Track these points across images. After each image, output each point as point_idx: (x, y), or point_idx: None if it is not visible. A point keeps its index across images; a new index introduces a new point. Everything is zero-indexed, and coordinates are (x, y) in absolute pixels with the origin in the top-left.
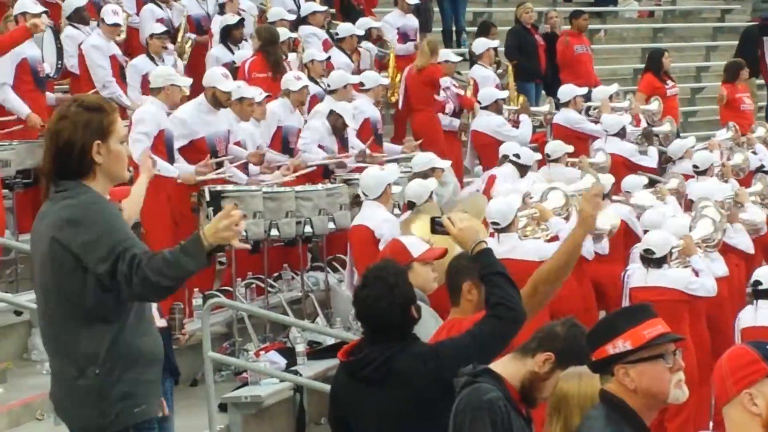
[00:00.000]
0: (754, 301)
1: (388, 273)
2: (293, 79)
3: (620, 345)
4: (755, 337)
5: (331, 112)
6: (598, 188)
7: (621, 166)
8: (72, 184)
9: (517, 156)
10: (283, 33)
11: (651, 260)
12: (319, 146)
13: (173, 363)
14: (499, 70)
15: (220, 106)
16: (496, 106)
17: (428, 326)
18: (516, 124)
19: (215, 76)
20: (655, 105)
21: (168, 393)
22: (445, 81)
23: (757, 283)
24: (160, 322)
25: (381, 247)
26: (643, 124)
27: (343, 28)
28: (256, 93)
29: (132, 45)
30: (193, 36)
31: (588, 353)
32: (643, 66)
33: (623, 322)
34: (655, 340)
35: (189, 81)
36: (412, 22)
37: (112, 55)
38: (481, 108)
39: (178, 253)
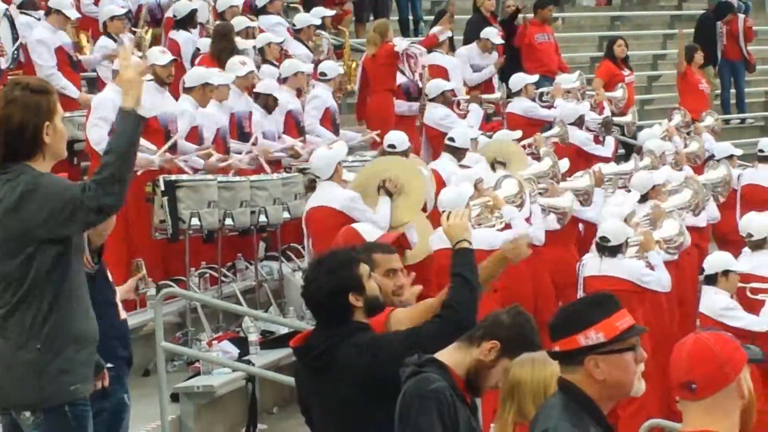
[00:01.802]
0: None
1: (332, 258)
2: (238, 64)
3: (593, 336)
4: (596, 287)
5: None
6: (523, 239)
7: (575, 155)
8: (16, 166)
9: (452, 140)
10: (240, 22)
11: (606, 248)
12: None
13: (130, 351)
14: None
15: (165, 85)
16: (443, 98)
17: None
18: (465, 115)
19: (154, 54)
20: (619, 92)
21: (124, 380)
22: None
23: (605, 239)
24: (123, 314)
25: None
26: (607, 111)
27: (300, 19)
28: (219, 78)
29: (93, 34)
30: (147, 31)
31: (553, 341)
32: (600, 54)
33: (595, 313)
34: (626, 332)
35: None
36: None
37: (59, 46)
38: (429, 100)
39: (110, 138)
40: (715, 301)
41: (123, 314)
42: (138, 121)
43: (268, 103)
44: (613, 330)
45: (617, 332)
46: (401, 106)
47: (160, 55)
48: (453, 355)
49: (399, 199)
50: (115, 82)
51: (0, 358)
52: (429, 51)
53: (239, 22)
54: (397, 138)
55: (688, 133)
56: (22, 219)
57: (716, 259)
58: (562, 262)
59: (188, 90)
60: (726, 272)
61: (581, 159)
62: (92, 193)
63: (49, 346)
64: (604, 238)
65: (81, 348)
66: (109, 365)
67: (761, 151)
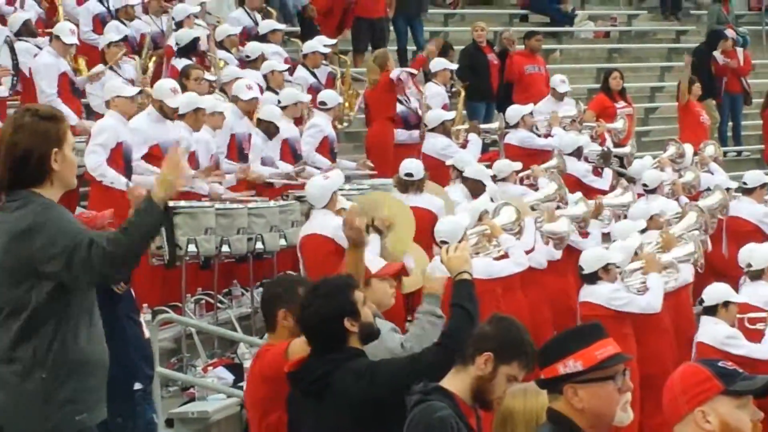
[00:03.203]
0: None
1: (327, 284)
2: (244, 88)
3: (571, 365)
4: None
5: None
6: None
7: (574, 186)
8: (24, 193)
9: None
10: (252, 49)
11: (583, 277)
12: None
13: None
14: (452, 90)
15: (168, 118)
16: (443, 128)
17: (388, 339)
18: (465, 144)
19: (164, 90)
20: (620, 124)
21: (152, 400)
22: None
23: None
24: (147, 333)
25: None
26: (609, 143)
27: (308, 46)
28: (210, 104)
29: (92, 62)
30: (153, 57)
31: (538, 369)
32: (598, 86)
33: (574, 342)
34: (606, 362)
35: (135, 90)
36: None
37: (63, 72)
38: (428, 130)
39: (131, 218)
40: (718, 331)
41: (147, 333)
42: (162, 216)
43: (270, 129)
44: (591, 359)
45: (595, 361)
46: (401, 134)
47: (170, 94)
48: (454, 380)
49: (390, 234)
50: (156, 179)
51: (6, 388)
52: (426, 78)
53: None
54: (415, 167)
55: (697, 164)
56: (27, 250)
57: (716, 290)
58: (561, 293)
59: (181, 116)
60: (726, 303)
61: (579, 190)
62: (99, 255)
63: (54, 375)
64: (580, 267)
65: (89, 375)
66: (137, 386)
67: (745, 183)
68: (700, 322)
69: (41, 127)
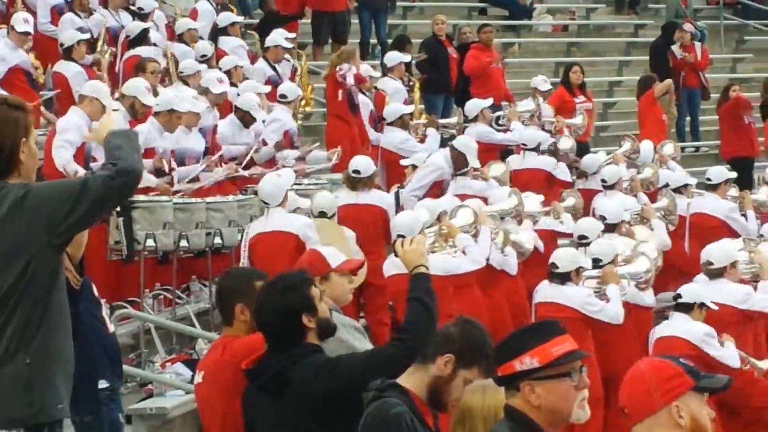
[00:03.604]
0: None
1: (284, 279)
2: (215, 81)
3: (527, 361)
4: (544, 314)
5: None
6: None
7: (543, 181)
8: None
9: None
10: (203, 47)
11: (555, 275)
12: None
13: (122, 367)
14: (407, 85)
15: (135, 117)
16: (401, 122)
17: (347, 336)
18: (423, 139)
19: (139, 87)
20: (579, 119)
21: (119, 399)
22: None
23: (554, 266)
24: (111, 327)
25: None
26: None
27: (270, 39)
28: (186, 106)
29: (49, 53)
30: (110, 48)
31: (494, 367)
32: (557, 80)
33: (531, 339)
34: (562, 358)
35: (116, 104)
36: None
37: (16, 64)
38: (387, 124)
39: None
40: (697, 327)
41: (111, 327)
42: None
43: (246, 118)
44: (547, 356)
45: (551, 358)
46: (371, 134)
47: (144, 92)
48: (412, 378)
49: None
50: (93, 136)
51: None
52: (382, 72)
53: (203, 47)
54: (363, 164)
55: (657, 161)
56: (18, 229)
57: (694, 290)
58: (512, 292)
59: (156, 114)
60: (702, 305)
61: (548, 183)
62: (108, 173)
63: (38, 361)
64: (553, 265)
65: (65, 365)
66: (103, 384)
67: (709, 179)
68: (670, 317)
69: (12, 116)
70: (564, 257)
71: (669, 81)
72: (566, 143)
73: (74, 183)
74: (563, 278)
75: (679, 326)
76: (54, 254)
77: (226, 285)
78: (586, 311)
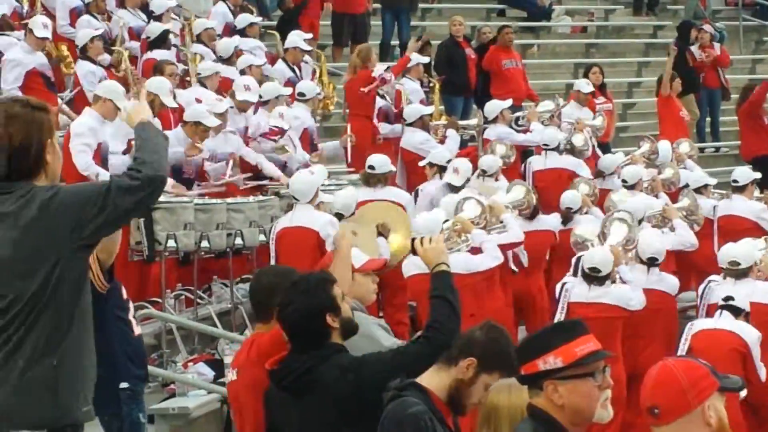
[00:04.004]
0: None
1: (306, 279)
2: (241, 86)
3: (551, 361)
4: (581, 313)
5: None
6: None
7: (568, 180)
8: (23, 183)
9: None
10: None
11: (596, 278)
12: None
13: (147, 369)
14: (427, 86)
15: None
16: (421, 123)
17: (379, 333)
18: (443, 140)
19: (163, 88)
20: (599, 120)
21: (140, 399)
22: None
23: (596, 270)
24: (137, 330)
25: (329, 248)
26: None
27: (289, 41)
28: (214, 121)
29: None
30: (126, 50)
31: (518, 366)
32: (575, 81)
33: (555, 338)
34: (586, 358)
35: (129, 104)
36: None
37: (33, 68)
38: (407, 125)
39: (137, 146)
40: (754, 330)
41: (137, 330)
42: (155, 129)
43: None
44: (571, 355)
45: (576, 357)
46: (384, 128)
47: (168, 94)
48: (433, 378)
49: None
50: (125, 116)
51: (7, 380)
52: (403, 75)
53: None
54: (378, 161)
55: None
56: (45, 231)
57: (746, 297)
58: (525, 294)
59: (184, 123)
60: (747, 313)
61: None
62: (132, 175)
63: (65, 364)
64: (594, 269)
65: (90, 370)
66: (123, 385)
67: (735, 181)
68: (717, 315)
69: (36, 117)
70: (604, 260)
71: (670, 71)
72: (578, 139)
73: (99, 186)
74: (604, 280)
75: (728, 324)
76: (80, 258)
77: (265, 282)
78: (630, 307)
